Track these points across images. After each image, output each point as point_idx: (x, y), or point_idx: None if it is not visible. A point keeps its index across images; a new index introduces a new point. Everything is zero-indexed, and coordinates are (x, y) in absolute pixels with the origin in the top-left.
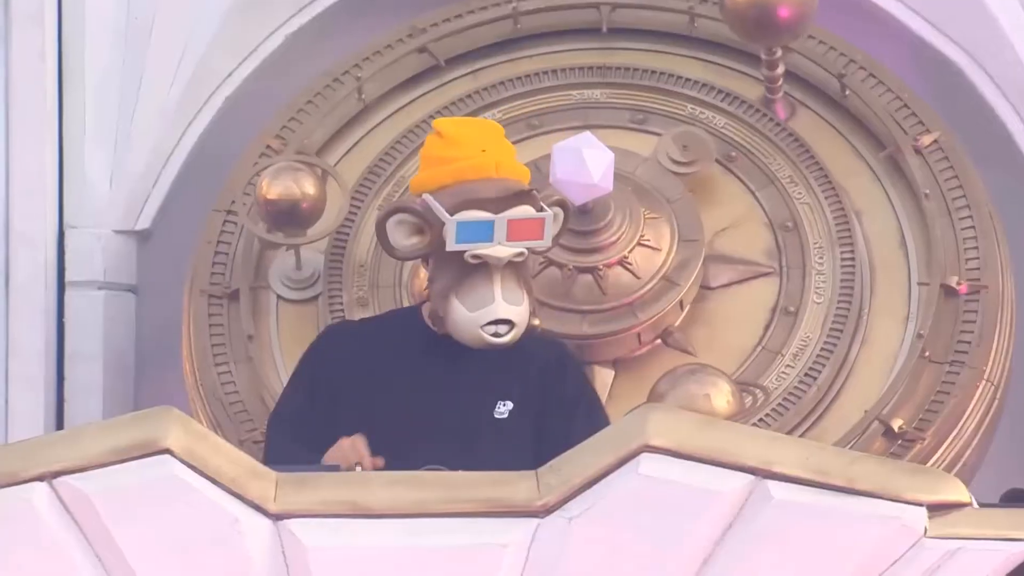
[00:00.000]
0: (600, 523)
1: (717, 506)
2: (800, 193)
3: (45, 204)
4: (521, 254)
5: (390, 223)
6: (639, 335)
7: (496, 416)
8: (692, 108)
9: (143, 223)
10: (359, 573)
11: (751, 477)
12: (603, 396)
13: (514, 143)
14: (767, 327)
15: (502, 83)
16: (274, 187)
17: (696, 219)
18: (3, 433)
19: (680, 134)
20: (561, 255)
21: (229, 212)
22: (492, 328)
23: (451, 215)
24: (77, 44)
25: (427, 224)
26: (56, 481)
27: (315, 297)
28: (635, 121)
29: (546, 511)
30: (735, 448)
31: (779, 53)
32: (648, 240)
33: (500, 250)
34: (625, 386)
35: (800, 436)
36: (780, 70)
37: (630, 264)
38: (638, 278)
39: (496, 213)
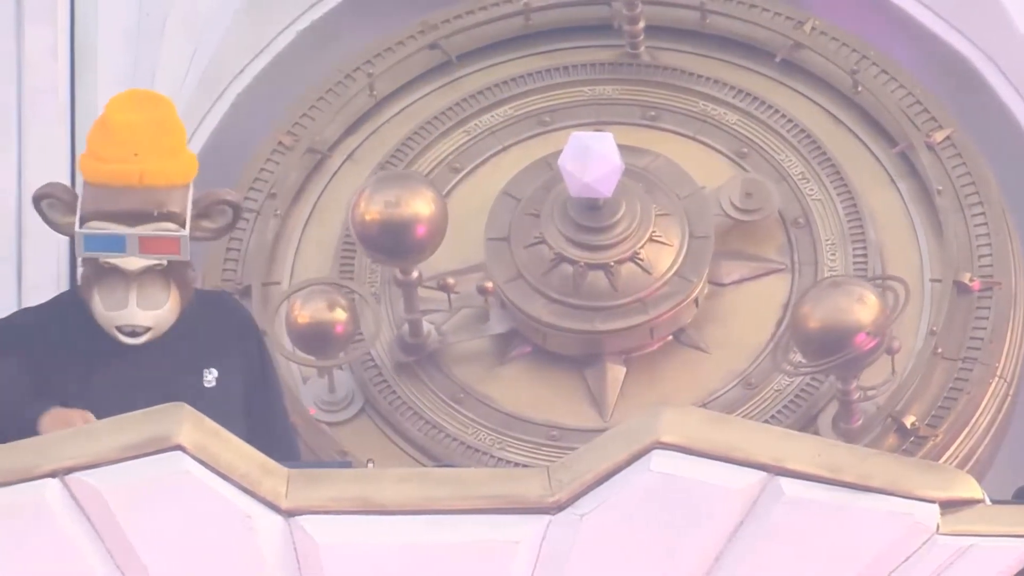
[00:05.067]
0: (612, 520)
1: (729, 503)
2: (812, 189)
3: None
4: (159, 264)
5: (43, 204)
6: (651, 330)
7: (206, 386)
8: (704, 104)
9: None
10: (371, 569)
11: (763, 474)
12: (614, 393)
13: (525, 140)
14: (779, 324)
15: (513, 79)
16: (305, 311)
17: (708, 215)
18: None
19: (747, 180)
20: (573, 251)
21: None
22: (127, 329)
23: (87, 220)
24: (89, 42)
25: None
26: (68, 477)
27: (352, 417)
28: (647, 118)
29: (558, 508)
30: (747, 445)
31: (639, 8)
32: (659, 236)
33: (132, 261)
34: (636, 383)
35: (812, 433)
36: (641, 24)
37: (642, 260)
38: (650, 274)
39: (130, 227)
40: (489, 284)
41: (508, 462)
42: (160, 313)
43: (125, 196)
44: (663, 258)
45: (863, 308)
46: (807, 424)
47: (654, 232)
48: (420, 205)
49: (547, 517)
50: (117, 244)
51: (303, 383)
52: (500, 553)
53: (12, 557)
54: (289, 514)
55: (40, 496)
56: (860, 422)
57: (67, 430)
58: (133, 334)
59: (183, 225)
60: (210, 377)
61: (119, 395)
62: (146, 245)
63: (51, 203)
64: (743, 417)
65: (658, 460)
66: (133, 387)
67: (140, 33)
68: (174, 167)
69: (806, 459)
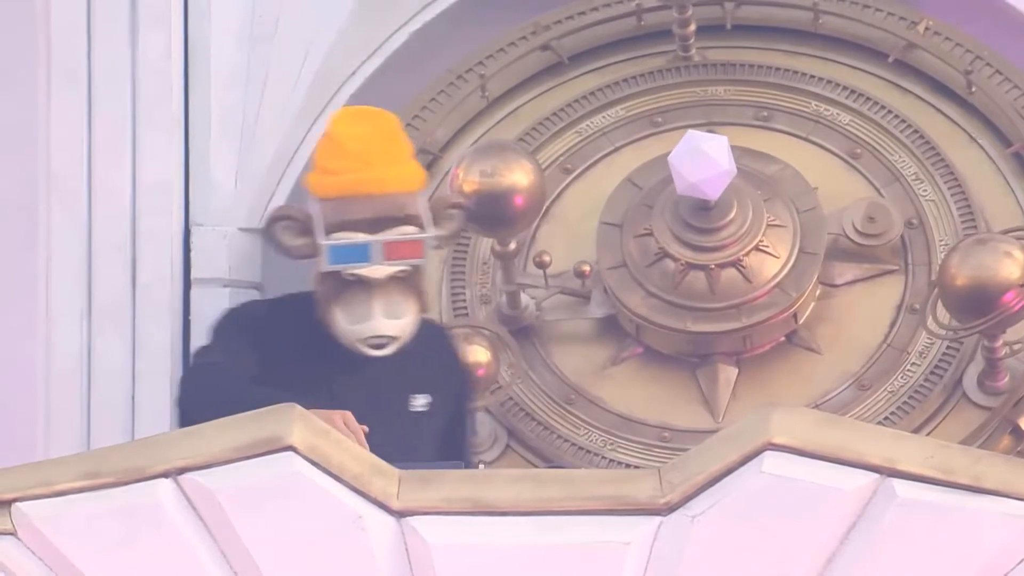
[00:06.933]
0: (723, 521)
1: (841, 504)
2: (926, 190)
3: (171, 202)
4: (403, 270)
5: (276, 228)
6: (744, 338)
7: (412, 410)
8: (816, 105)
9: None
10: (482, 570)
11: (875, 475)
12: (726, 394)
13: (637, 140)
14: (892, 325)
15: (625, 80)
16: None
17: (821, 233)
18: (130, 429)
19: (871, 204)
20: (676, 248)
21: None
22: (373, 341)
23: (329, 233)
24: (203, 44)
25: (312, 229)
26: (181, 477)
27: (499, 457)
28: (759, 118)
29: (669, 509)
30: (859, 446)
31: (691, 11)
32: (767, 246)
33: (377, 270)
34: (749, 384)
35: (926, 435)
36: (692, 27)
37: (744, 267)
38: (750, 282)
39: (373, 234)
40: (586, 267)
41: (619, 463)
42: (404, 323)
43: (366, 204)
44: (767, 268)
45: (1012, 263)
46: (921, 426)
47: (761, 241)
48: (518, 175)
49: (658, 518)
50: (361, 254)
51: None
52: (611, 554)
53: (126, 558)
54: (400, 515)
55: (153, 496)
56: (1006, 379)
57: (180, 430)
58: (379, 346)
59: (423, 228)
60: (419, 403)
61: (322, 406)
62: (391, 250)
63: (287, 225)
64: (856, 419)
65: (770, 461)
66: (337, 401)
67: (253, 37)
68: (409, 172)
69: (918, 460)
